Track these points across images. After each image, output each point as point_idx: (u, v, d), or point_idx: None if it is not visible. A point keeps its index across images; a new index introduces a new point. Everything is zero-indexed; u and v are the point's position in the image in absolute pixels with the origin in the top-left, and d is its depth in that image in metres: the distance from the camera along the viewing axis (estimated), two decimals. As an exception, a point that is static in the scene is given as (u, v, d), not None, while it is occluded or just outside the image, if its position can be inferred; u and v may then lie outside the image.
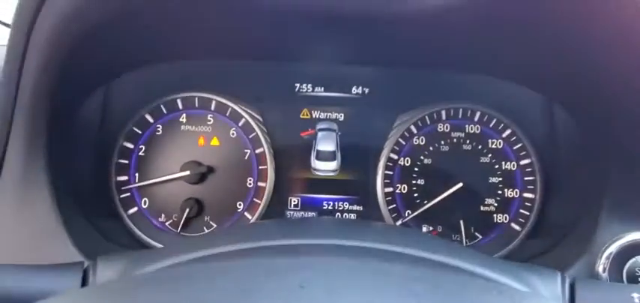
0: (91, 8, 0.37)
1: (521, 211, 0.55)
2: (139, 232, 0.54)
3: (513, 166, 0.55)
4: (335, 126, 0.57)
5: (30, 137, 0.41)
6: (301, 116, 0.57)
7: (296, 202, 0.57)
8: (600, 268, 0.41)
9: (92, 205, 0.52)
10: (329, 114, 0.58)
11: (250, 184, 0.56)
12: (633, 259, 0.40)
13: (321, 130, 0.57)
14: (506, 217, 0.55)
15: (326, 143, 0.57)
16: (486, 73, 0.54)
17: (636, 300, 0.32)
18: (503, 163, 0.56)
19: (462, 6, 0.37)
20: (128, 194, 0.55)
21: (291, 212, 0.57)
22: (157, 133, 0.56)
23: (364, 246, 0.33)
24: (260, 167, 0.56)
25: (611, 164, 0.43)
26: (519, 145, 0.55)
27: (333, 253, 0.32)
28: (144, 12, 0.41)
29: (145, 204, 0.55)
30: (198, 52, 0.54)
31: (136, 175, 0.55)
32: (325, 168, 0.56)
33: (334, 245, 0.33)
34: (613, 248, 0.41)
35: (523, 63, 0.48)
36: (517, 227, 0.55)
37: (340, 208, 0.57)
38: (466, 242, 0.55)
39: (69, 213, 0.43)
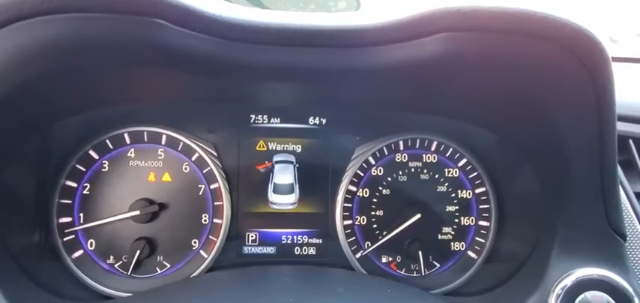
0: (13, 69, 0.34)
1: (477, 238, 0.56)
2: (85, 277, 0.51)
3: (469, 195, 0.56)
4: (292, 158, 0.56)
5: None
6: (257, 148, 0.56)
7: (254, 238, 0.55)
8: (552, 304, 0.42)
9: (33, 251, 0.48)
10: (286, 146, 0.56)
11: (206, 220, 0.53)
12: (582, 296, 0.42)
13: (277, 162, 0.55)
14: (462, 245, 0.56)
15: (283, 176, 0.55)
16: (442, 115, 0.54)
17: None
18: (459, 191, 0.56)
19: (416, 62, 0.37)
20: (72, 236, 0.51)
21: (249, 247, 0.55)
22: (103, 170, 0.53)
23: None
24: (215, 203, 0.54)
25: (561, 201, 0.44)
26: (475, 173, 0.56)
27: None
28: (69, 72, 0.38)
29: (91, 246, 0.52)
30: (143, 97, 0.51)
31: (81, 215, 0.52)
32: (283, 201, 0.55)
33: None
34: (564, 283, 0.43)
35: (476, 106, 0.49)
36: (473, 255, 0.56)
37: (299, 242, 0.56)
38: (424, 271, 0.55)
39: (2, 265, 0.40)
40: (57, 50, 0.35)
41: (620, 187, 0.46)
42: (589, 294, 0.41)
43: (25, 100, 0.39)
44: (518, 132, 0.48)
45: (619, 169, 0.48)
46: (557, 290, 0.43)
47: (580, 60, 0.37)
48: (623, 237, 0.42)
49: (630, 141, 0.50)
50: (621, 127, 0.50)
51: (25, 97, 0.38)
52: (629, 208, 0.47)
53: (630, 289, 0.40)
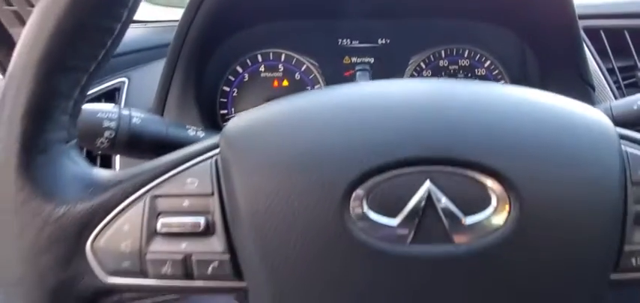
0: None
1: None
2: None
3: (493, 86, 0.81)
4: (368, 67, 0.82)
5: (185, 79, 0.65)
6: (344, 62, 0.82)
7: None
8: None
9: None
10: (363, 59, 0.82)
11: (312, 110, 0.80)
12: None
13: (358, 70, 0.82)
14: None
15: (363, 79, 0.81)
16: (475, 19, 0.79)
17: None
18: (485, 84, 0.81)
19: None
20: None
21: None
22: (245, 80, 0.80)
23: None
24: (318, 98, 0.81)
25: (547, 67, 0.67)
26: (496, 71, 0.80)
27: None
28: None
29: (239, 129, 0.80)
30: (273, 15, 0.78)
31: (233, 109, 0.80)
32: (363, 96, 0.81)
33: None
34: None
35: (499, 9, 0.73)
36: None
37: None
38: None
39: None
40: None
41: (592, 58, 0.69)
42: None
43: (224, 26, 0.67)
44: (532, 33, 0.72)
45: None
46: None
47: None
48: (593, 87, 0.66)
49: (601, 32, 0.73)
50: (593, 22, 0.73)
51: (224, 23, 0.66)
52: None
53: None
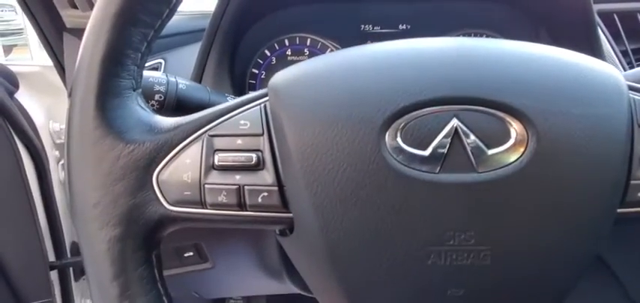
0: None
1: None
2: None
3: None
4: (389, 51, 0.86)
5: (219, 59, 0.70)
6: (366, 46, 0.86)
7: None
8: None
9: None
10: (384, 44, 0.86)
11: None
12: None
13: (380, 54, 0.85)
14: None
15: (384, 62, 0.85)
16: (490, 2, 0.82)
17: None
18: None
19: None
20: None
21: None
22: (272, 63, 0.85)
23: None
24: (341, 80, 0.84)
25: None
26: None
27: None
28: None
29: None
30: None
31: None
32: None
33: None
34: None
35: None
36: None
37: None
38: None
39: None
40: None
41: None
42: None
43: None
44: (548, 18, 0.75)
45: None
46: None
47: None
48: None
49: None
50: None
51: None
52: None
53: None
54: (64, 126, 1.14)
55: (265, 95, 0.35)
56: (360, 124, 0.30)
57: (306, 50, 0.85)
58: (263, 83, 0.83)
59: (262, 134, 0.33)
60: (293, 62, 0.87)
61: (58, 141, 1.12)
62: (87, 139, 0.33)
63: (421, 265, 0.29)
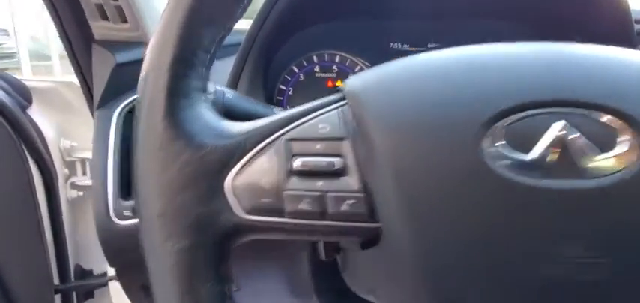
0: None
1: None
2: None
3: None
4: (418, 69, 0.85)
5: (254, 69, 0.69)
6: (395, 64, 0.85)
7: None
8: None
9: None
10: (413, 62, 0.85)
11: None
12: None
13: (409, 72, 0.84)
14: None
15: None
16: (523, 21, 0.82)
17: None
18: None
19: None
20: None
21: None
22: (300, 79, 0.83)
23: None
24: (370, 98, 0.83)
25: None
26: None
27: None
28: None
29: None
30: (328, 17, 0.82)
31: (288, 107, 0.83)
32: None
33: None
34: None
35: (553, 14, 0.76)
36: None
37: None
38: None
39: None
40: None
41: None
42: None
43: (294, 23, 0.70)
44: (573, 27, 0.74)
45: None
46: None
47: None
48: None
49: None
50: None
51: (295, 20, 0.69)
52: None
53: None
54: (75, 144, 1.12)
55: (341, 99, 0.33)
56: (457, 127, 0.28)
57: (334, 67, 0.83)
58: (290, 100, 0.82)
59: (344, 139, 0.31)
60: (321, 79, 0.87)
61: (67, 159, 1.10)
62: (155, 142, 0.31)
63: (527, 278, 0.27)
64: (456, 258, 0.28)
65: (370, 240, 0.32)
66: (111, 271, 1.04)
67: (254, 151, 0.31)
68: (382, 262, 0.32)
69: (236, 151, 0.31)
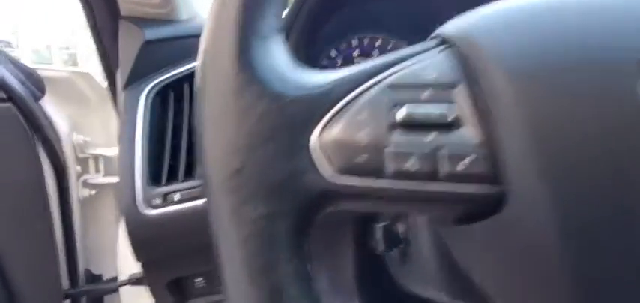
0: None
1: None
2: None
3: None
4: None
5: (294, 51, 0.63)
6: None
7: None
8: None
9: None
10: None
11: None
12: None
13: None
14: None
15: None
16: None
17: None
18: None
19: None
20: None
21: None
22: (337, 65, 0.78)
23: None
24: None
25: None
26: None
27: None
28: None
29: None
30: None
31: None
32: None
33: None
34: None
35: None
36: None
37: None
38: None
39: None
40: None
41: None
42: None
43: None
44: None
45: None
46: None
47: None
48: None
49: None
50: None
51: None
52: None
53: None
54: (88, 139, 1.06)
55: (443, 42, 0.27)
56: (607, 66, 0.22)
57: (375, 53, 0.78)
58: (327, 87, 0.76)
59: (457, 84, 0.25)
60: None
61: (81, 155, 1.03)
62: (226, 88, 0.25)
63: None
64: (609, 225, 0.22)
65: (482, 211, 0.25)
66: (121, 277, 0.97)
67: (345, 99, 0.25)
68: (496, 240, 0.26)
69: (323, 99, 0.25)
